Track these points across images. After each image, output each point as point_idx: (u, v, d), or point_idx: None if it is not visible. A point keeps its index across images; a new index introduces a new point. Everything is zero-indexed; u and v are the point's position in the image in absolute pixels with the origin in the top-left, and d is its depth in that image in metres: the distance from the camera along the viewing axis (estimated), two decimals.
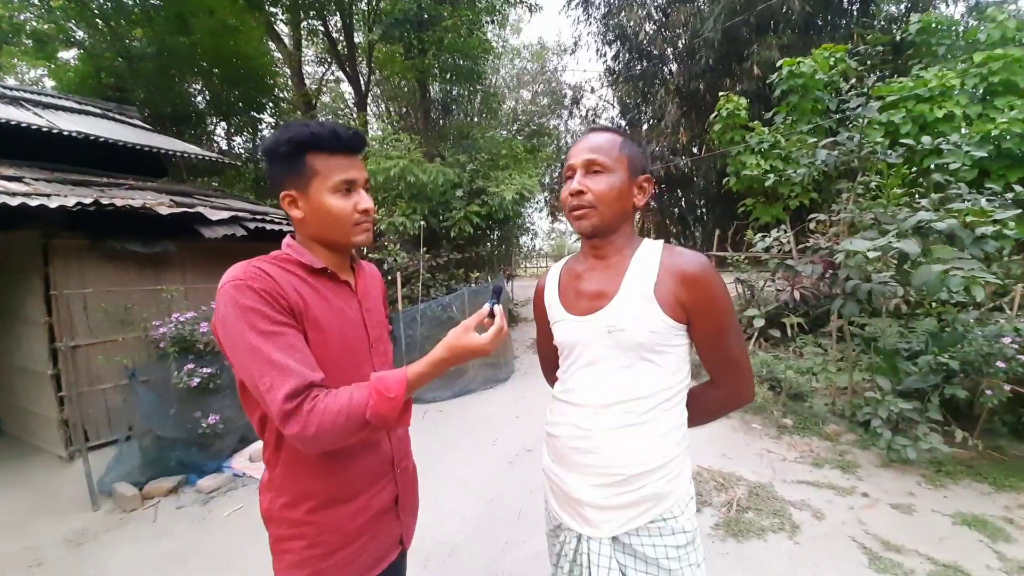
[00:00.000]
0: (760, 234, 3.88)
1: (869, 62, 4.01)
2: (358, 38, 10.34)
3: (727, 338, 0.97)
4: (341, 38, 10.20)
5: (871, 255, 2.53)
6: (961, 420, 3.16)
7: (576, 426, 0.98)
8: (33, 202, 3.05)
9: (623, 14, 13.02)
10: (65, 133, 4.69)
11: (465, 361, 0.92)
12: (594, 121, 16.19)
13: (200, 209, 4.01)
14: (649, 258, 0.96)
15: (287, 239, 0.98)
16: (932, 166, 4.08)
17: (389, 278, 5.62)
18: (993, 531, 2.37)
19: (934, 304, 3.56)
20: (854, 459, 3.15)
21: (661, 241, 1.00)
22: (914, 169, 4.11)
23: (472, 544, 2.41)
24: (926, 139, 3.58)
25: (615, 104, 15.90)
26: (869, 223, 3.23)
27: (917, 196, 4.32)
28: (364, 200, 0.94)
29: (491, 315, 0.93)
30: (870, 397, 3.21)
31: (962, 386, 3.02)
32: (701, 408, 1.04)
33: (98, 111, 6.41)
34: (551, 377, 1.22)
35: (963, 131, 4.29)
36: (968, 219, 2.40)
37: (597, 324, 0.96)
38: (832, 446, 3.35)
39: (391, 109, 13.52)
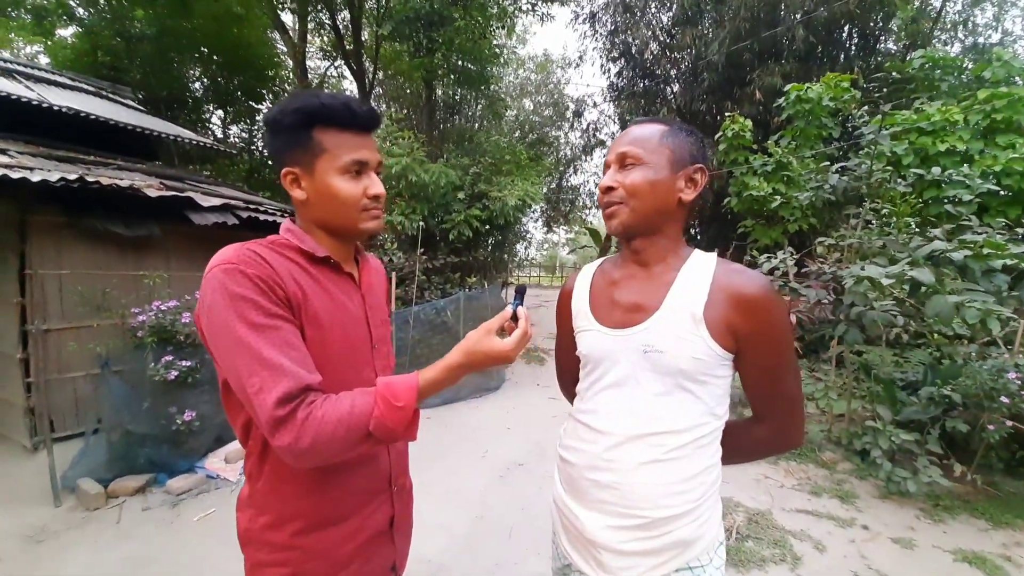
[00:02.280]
0: (766, 255, 3.83)
1: (878, 95, 4.05)
2: (365, 35, 10.28)
3: (783, 373, 0.85)
4: (348, 33, 10.12)
5: (885, 282, 2.48)
6: (957, 453, 3.12)
7: (596, 455, 0.86)
8: (14, 175, 2.89)
9: (629, 32, 13.15)
10: (55, 108, 4.52)
11: (485, 368, 0.81)
12: (595, 135, 16.23)
13: (191, 194, 3.86)
14: (700, 272, 0.85)
15: (286, 223, 0.87)
16: (931, 199, 4.11)
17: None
18: (992, 569, 2.32)
19: (935, 335, 3.54)
20: (852, 489, 3.09)
21: (714, 254, 0.89)
22: (920, 200, 4.13)
23: (459, 564, 2.27)
24: (936, 170, 3.59)
25: (616, 120, 16.00)
26: (878, 250, 3.20)
27: (915, 226, 4.34)
28: (375, 184, 0.83)
29: (514, 318, 0.82)
30: (869, 427, 3.15)
31: (962, 419, 2.98)
32: (739, 446, 0.92)
33: (91, 89, 6.24)
34: (568, 391, 1.11)
35: (964, 167, 4.33)
36: (985, 251, 2.37)
37: (631, 341, 0.84)
38: (830, 474, 3.28)
39: (393, 109, 13.45)
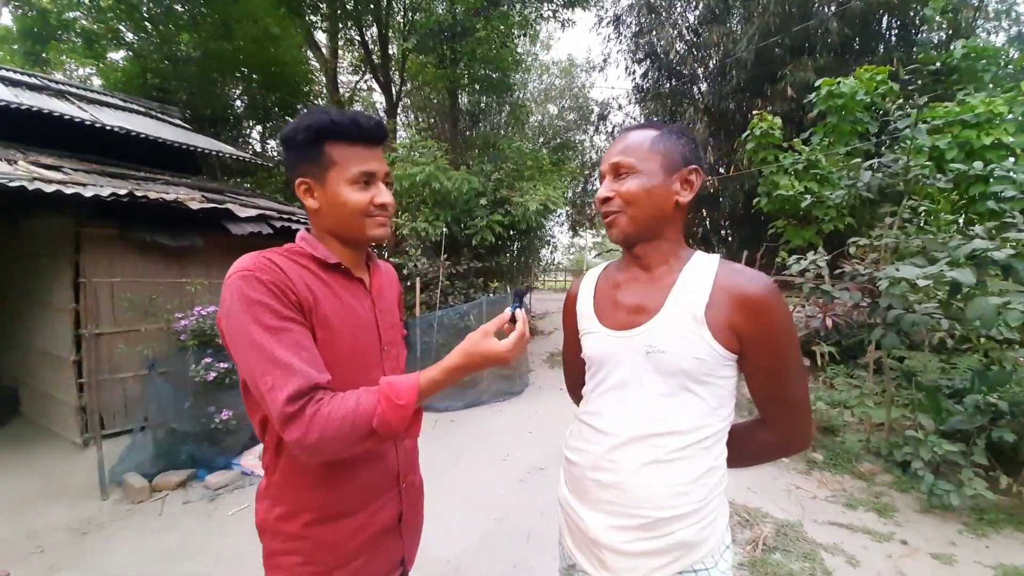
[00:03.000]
0: (795, 256, 3.70)
1: (912, 87, 3.85)
2: (392, 49, 10.60)
3: (787, 375, 0.85)
4: (376, 48, 10.46)
5: (921, 283, 2.36)
6: (1004, 465, 2.92)
7: (599, 455, 0.87)
8: (68, 190, 3.13)
9: (654, 33, 13.00)
10: (107, 128, 4.86)
11: (483, 369, 0.84)
12: None
13: (229, 205, 4.08)
14: (702, 273, 0.85)
15: (301, 232, 0.93)
16: (978, 195, 3.86)
17: (408, 283, 5.61)
18: None
19: (982, 340, 3.32)
20: (891, 502, 2.93)
21: (717, 255, 0.89)
22: (964, 197, 3.89)
23: (476, 565, 2.30)
24: (978, 164, 3.38)
25: (642, 121, 15.81)
26: (916, 250, 3.05)
27: (963, 223, 4.09)
28: (383, 194, 0.88)
29: (512, 320, 0.85)
30: (911, 436, 2.99)
31: (1009, 428, 2.79)
32: (745, 449, 0.92)
33: (141, 109, 6.66)
34: (575, 393, 1.12)
35: (1010, 160, 4.06)
36: None
37: (633, 342, 0.85)
38: (867, 486, 3.13)
39: (419, 118, 13.75)
